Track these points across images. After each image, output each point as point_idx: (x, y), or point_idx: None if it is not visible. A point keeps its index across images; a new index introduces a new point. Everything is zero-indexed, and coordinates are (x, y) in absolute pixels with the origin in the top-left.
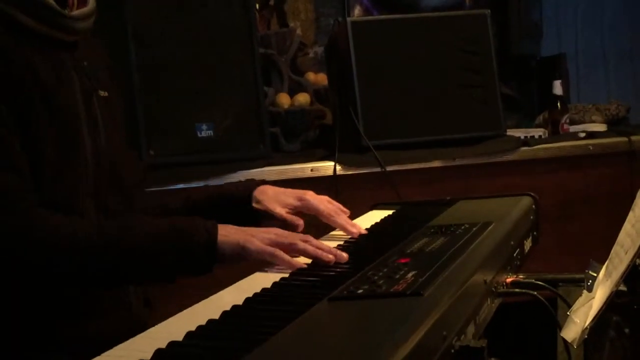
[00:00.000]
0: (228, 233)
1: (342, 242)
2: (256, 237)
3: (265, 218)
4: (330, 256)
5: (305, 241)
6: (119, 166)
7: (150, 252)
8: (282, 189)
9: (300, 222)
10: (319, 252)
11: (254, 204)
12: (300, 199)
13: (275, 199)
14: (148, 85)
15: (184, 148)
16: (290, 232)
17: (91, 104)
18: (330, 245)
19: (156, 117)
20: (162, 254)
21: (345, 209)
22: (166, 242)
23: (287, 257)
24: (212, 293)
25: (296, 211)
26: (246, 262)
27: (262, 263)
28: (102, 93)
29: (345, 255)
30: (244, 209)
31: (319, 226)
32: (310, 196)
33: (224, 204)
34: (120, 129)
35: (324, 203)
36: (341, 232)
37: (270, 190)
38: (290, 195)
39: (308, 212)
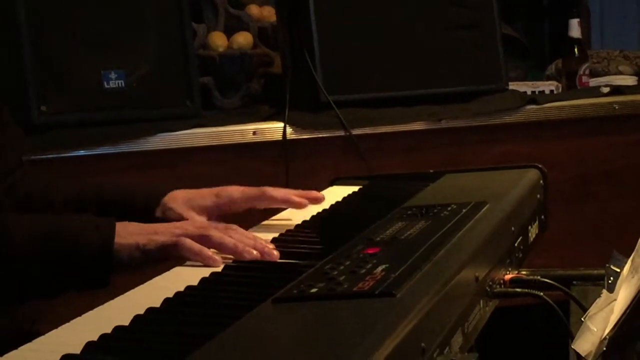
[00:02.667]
0: (126, 234)
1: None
2: (160, 234)
3: None
4: (254, 252)
5: (227, 232)
6: None
7: (26, 262)
8: (196, 191)
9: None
10: (239, 246)
11: (159, 214)
12: (217, 195)
13: (187, 204)
14: (38, 22)
15: (87, 103)
16: (207, 222)
17: None
18: (268, 236)
19: (49, 63)
20: (42, 264)
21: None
22: (46, 249)
23: (195, 245)
24: (124, 291)
25: (221, 212)
26: (153, 265)
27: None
28: None
29: (276, 253)
30: (147, 219)
31: None
32: (230, 189)
33: (119, 212)
34: None
35: (244, 189)
36: (282, 220)
37: (181, 194)
38: (206, 195)
39: (230, 208)
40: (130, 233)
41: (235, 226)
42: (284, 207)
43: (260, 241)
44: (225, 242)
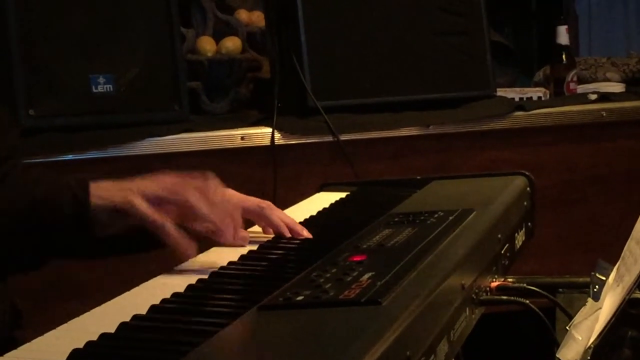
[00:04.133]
0: (104, 192)
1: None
2: (139, 192)
3: None
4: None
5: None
6: None
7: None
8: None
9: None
10: (205, 209)
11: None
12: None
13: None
14: (27, 25)
15: (75, 107)
16: (188, 176)
17: None
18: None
19: (38, 67)
20: (22, 232)
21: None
22: (24, 218)
23: (175, 232)
24: (110, 298)
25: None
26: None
27: None
28: None
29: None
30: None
31: None
32: (229, 194)
33: None
34: None
35: (243, 199)
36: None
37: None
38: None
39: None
40: (106, 189)
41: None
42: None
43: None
44: (199, 208)
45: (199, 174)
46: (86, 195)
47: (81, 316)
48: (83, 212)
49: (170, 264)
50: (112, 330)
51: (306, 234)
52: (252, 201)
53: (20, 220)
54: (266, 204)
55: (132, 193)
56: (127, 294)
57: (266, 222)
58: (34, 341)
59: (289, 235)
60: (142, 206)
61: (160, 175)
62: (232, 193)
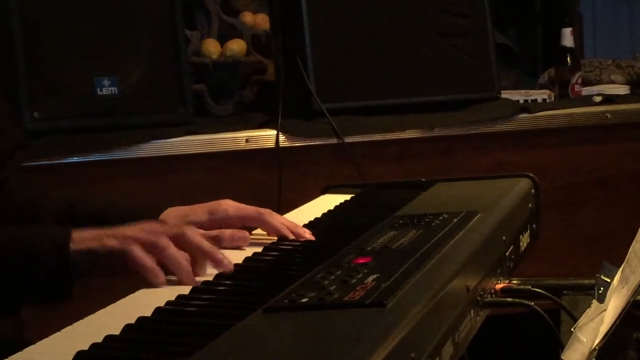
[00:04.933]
0: (80, 240)
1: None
2: (112, 238)
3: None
4: (186, 272)
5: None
6: None
7: None
8: (190, 208)
9: (224, 233)
10: (183, 265)
11: None
12: (211, 211)
13: (182, 220)
14: (31, 28)
15: (80, 109)
16: (161, 227)
17: None
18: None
19: (42, 70)
20: None
21: (288, 222)
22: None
23: (143, 257)
24: (114, 300)
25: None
26: (117, 273)
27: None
28: None
29: (227, 263)
30: None
31: None
32: (225, 205)
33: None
34: None
35: (239, 207)
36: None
37: (174, 212)
38: (201, 212)
39: (225, 225)
40: (83, 239)
41: (189, 229)
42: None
43: (215, 251)
44: (175, 256)
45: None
46: (66, 241)
47: (86, 318)
48: (62, 258)
49: None
50: (117, 332)
51: (308, 235)
52: (250, 209)
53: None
54: (264, 210)
55: (124, 240)
56: (131, 296)
57: (267, 227)
58: (38, 343)
59: (291, 236)
60: (139, 253)
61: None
62: (229, 204)
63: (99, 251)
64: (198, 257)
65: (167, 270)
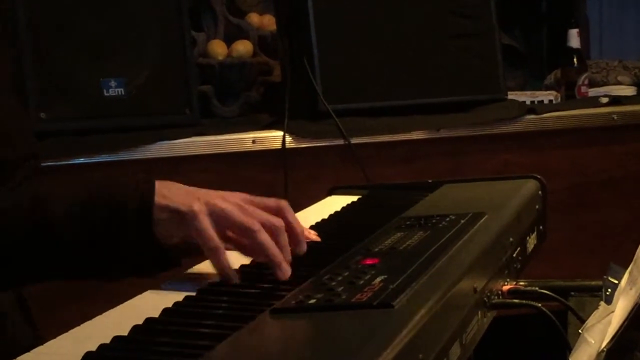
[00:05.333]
0: (169, 193)
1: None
2: (206, 206)
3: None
4: (285, 268)
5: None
6: None
7: (68, 233)
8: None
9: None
10: (278, 256)
11: None
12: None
13: None
14: (38, 30)
15: (86, 111)
16: (260, 201)
17: None
18: None
19: (49, 71)
20: (82, 233)
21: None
22: (85, 216)
23: (225, 263)
24: (123, 301)
25: None
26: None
27: None
28: None
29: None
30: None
31: None
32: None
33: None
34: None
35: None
36: None
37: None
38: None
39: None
40: (172, 191)
41: (284, 204)
42: None
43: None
44: (267, 247)
45: (274, 200)
46: (151, 191)
47: (94, 319)
48: (147, 208)
49: (182, 267)
50: (125, 333)
51: (314, 237)
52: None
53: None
54: (258, 227)
55: (198, 202)
56: (139, 296)
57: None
58: (46, 344)
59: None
60: (205, 221)
61: (233, 193)
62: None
63: (191, 221)
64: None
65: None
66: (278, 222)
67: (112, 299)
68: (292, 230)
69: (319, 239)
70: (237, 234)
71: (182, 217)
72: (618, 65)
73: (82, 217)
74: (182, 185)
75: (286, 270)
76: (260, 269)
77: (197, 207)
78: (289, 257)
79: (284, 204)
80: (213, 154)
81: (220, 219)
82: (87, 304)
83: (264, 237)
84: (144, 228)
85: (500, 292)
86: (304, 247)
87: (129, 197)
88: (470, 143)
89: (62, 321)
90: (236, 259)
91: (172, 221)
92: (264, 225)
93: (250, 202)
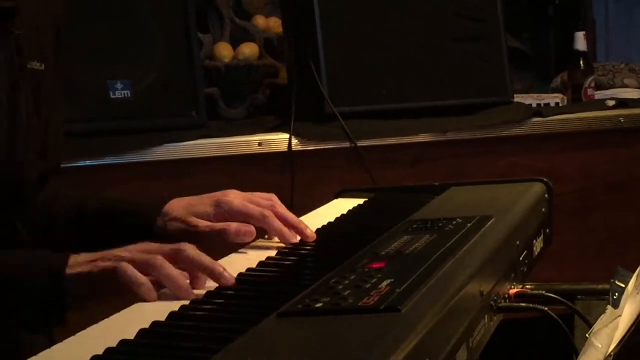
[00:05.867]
0: (75, 264)
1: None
2: (106, 259)
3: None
4: (189, 291)
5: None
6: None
7: None
8: (197, 198)
9: (230, 227)
10: (180, 281)
11: (161, 223)
12: (217, 204)
13: (187, 210)
14: (60, 50)
15: (93, 113)
16: (158, 246)
17: (17, 86)
18: (263, 253)
19: None
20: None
21: (291, 217)
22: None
23: (136, 274)
24: (129, 305)
25: (222, 220)
26: (110, 295)
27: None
28: (36, 65)
29: (229, 277)
30: (148, 230)
31: None
32: (232, 197)
33: (121, 225)
34: (52, 109)
35: (248, 203)
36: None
37: (181, 202)
38: (207, 202)
39: (230, 218)
40: (79, 263)
41: (186, 246)
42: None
43: (215, 265)
44: (166, 273)
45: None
46: (63, 266)
47: (101, 322)
48: (57, 282)
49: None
50: (131, 336)
51: (310, 233)
52: (255, 210)
53: None
54: (268, 213)
55: (115, 260)
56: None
57: (269, 229)
58: (53, 347)
59: (292, 240)
60: (131, 271)
61: (129, 247)
62: (236, 195)
63: (93, 273)
64: (197, 272)
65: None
66: (178, 251)
67: (119, 303)
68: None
69: (314, 237)
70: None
71: (106, 278)
72: (625, 68)
73: None
74: (87, 254)
75: (189, 293)
76: (266, 273)
77: (122, 264)
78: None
79: (184, 245)
80: (219, 157)
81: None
82: (94, 307)
83: (167, 267)
84: (54, 304)
85: (507, 295)
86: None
87: (37, 273)
88: (477, 146)
89: (70, 324)
90: (240, 264)
91: (93, 286)
92: (166, 256)
93: (146, 250)
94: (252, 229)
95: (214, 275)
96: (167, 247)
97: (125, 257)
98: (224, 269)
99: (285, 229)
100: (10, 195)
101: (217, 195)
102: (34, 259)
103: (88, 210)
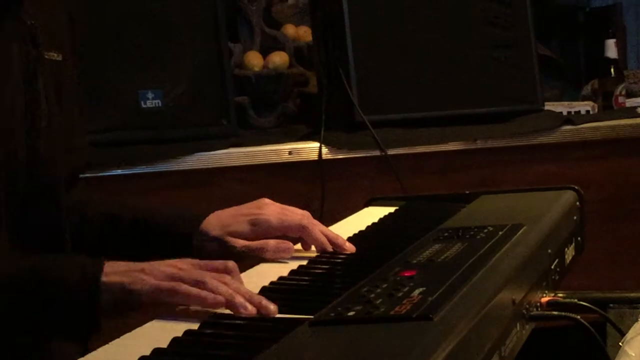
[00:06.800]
0: (112, 273)
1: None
2: (149, 274)
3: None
4: (249, 307)
5: (223, 281)
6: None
7: (6, 303)
8: (232, 215)
9: (268, 244)
10: (236, 298)
11: (198, 243)
12: (254, 222)
13: (224, 231)
14: (75, 40)
15: (124, 122)
16: (204, 263)
17: (34, 77)
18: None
19: (87, 82)
20: (23, 306)
21: (328, 231)
22: (23, 285)
23: (194, 290)
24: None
25: (257, 238)
26: (141, 309)
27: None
28: (54, 56)
29: (272, 307)
30: (184, 247)
31: None
32: (267, 212)
33: (154, 237)
34: (74, 101)
35: (283, 216)
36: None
37: (217, 221)
38: (243, 220)
39: (266, 235)
40: (117, 272)
41: (233, 268)
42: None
43: (254, 295)
44: (221, 291)
45: (221, 262)
46: (98, 272)
47: (134, 331)
48: (92, 290)
49: None
50: (164, 345)
51: (349, 247)
52: (293, 220)
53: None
54: (307, 222)
55: (143, 273)
56: (178, 309)
57: (308, 239)
58: (87, 356)
59: (330, 249)
60: (152, 281)
61: (178, 260)
62: (271, 211)
63: (136, 286)
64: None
65: None
66: (227, 271)
67: (152, 311)
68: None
69: (353, 250)
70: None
71: (131, 291)
72: None
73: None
74: (124, 263)
75: (251, 310)
76: (298, 281)
77: (144, 276)
78: (248, 296)
79: (232, 264)
80: (250, 165)
81: (166, 279)
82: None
83: (215, 283)
84: (89, 311)
85: (538, 304)
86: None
87: (73, 280)
88: (507, 154)
89: (104, 332)
90: (272, 273)
91: (121, 298)
92: (212, 274)
93: (197, 265)
94: (290, 245)
95: (233, 306)
96: (191, 273)
97: (171, 274)
98: (244, 300)
99: (325, 239)
100: (42, 194)
101: (253, 210)
102: (70, 263)
103: (123, 219)
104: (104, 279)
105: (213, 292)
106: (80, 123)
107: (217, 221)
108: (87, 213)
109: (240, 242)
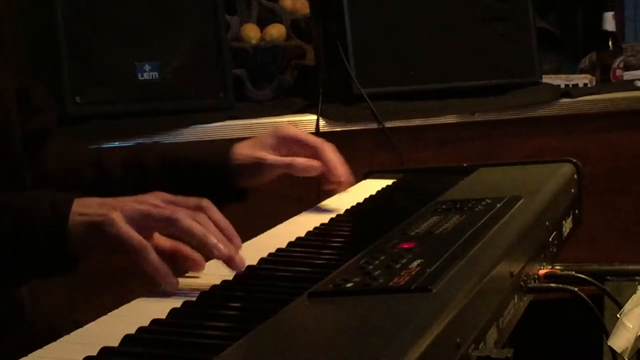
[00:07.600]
0: (84, 205)
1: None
2: (121, 211)
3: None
4: (222, 249)
5: (197, 219)
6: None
7: None
8: (256, 138)
9: (295, 161)
10: (209, 238)
11: (233, 160)
12: (277, 134)
13: (253, 146)
14: (74, 13)
15: (121, 95)
16: (181, 199)
17: None
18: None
19: (84, 55)
20: None
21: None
22: None
23: (154, 259)
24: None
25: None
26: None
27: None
28: None
29: (240, 263)
30: (219, 174)
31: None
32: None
33: (190, 172)
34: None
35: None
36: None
37: (243, 143)
38: (266, 135)
39: (295, 144)
40: (87, 205)
41: (207, 205)
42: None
43: (227, 242)
44: (194, 229)
45: (194, 198)
46: (66, 209)
47: (132, 302)
48: (60, 225)
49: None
50: (162, 316)
51: (344, 178)
52: (313, 138)
53: None
54: (326, 145)
55: (113, 210)
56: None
57: (321, 157)
58: (87, 326)
59: (336, 173)
60: (121, 226)
61: (150, 194)
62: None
63: (107, 228)
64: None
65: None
66: (200, 208)
67: (146, 282)
68: (218, 227)
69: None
70: (163, 230)
71: (98, 228)
72: None
73: None
74: (96, 199)
75: (224, 251)
76: (296, 253)
77: (113, 215)
78: (222, 238)
79: (206, 201)
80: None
81: (140, 220)
82: (122, 285)
83: (188, 221)
84: (55, 246)
85: (536, 276)
86: (239, 242)
87: (41, 214)
88: (505, 127)
89: (98, 304)
90: (271, 244)
91: (90, 235)
92: (186, 207)
93: (169, 201)
94: (317, 163)
95: (208, 245)
96: (191, 200)
97: (145, 210)
98: (225, 246)
99: (338, 161)
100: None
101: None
102: (40, 197)
103: (148, 165)
104: (74, 211)
105: (186, 230)
106: (34, 83)
107: (244, 143)
108: (104, 164)
109: (270, 156)
